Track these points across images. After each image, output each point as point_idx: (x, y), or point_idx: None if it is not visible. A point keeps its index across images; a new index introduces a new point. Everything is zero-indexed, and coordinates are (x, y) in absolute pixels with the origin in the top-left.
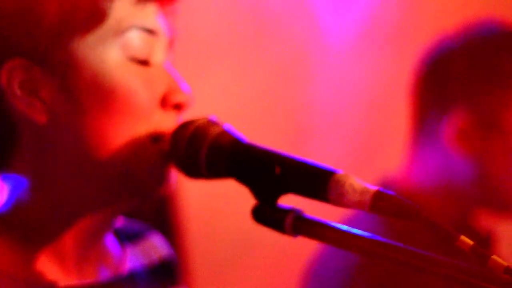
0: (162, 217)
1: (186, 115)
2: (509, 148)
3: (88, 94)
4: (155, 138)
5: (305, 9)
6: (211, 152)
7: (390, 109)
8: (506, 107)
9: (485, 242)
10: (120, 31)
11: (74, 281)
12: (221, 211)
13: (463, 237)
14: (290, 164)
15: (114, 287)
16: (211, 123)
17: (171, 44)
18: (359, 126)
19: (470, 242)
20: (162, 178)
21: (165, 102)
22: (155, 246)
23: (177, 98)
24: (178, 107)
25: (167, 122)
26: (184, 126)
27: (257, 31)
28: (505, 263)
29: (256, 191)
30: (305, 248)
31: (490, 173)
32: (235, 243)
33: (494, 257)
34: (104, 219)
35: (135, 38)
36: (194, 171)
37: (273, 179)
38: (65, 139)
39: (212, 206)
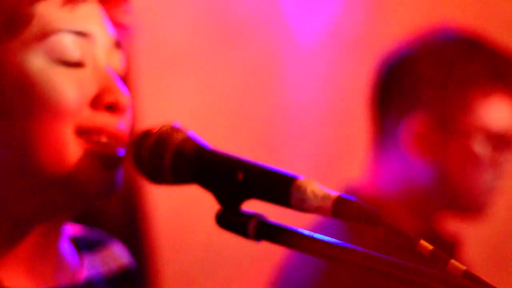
0: (131, 226)
1: (151, 122)
2: (467, 151)
3: (12, 100)
4: (81, 132)
5: (275, 12)
6: (175, 158)
7: (357, 114)
8: (463, 110)
9: (450, 244)
10: (44, 35)
11: None
12: (191, 219)
13: (422, 242)
14: (252, 170)
15: None
16: (174, 129)
17: (117, 45)
18: (325, 132)
19: (429, 246)
20: (98, 180)
21: (96, 102)
22: (115, 255)
23: (109, 98)
24: (111, 108)
25: (96, 120)
26: (147, 132)
27: (224, 35)
28: (463, 267)
29: (219, 196)
30: (278, 256)
31: (450, 175)
32: (206, 250)
33: (453, 261)
34: (51, 225)
35: (61, 41)
36: (158, 177)
37: (236, 184)
38: None
39: (182, 214)
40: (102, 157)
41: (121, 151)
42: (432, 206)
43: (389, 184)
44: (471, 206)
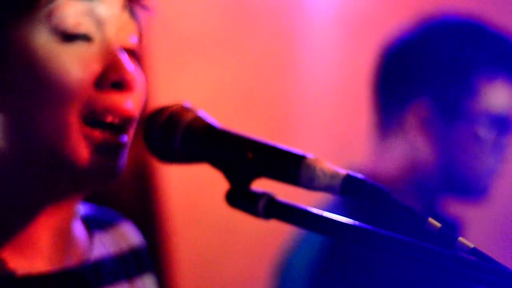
0: (144, 206)
1: (164, 103)
2: (471, 135)
3: (19, 78)
4: (86, 118)
5: None
6: (185, 137)
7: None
8: (467, 95)
9: (452, 228)
10: (52, 10)
11: (39, 269)
12: (203, 198)
13: (431, 220)
14: (262, 148)
15: (79, 275)
16: (185, 109)
17: (130, 12)
18: (336, 115)
19: (438, 224)
20: (99, 166)
21: (101, 81)
22: (125, 234)
23: (114, 76)
24: (117, 85)
25: (101, 101)
26: (158, 111)
27: (238, 18)
28: (471, 245)
29: (229, 175)
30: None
31: (454, 159)
32: (218, 229)
33: (461, 239)
34: (62, 206)
35: (65, 9)
36: (168, 156)
37: (245, 163)
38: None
39: (194, 193)
40: (105, 144)
41: (124, 137)
42: (435, 189)
43: (394, 168)
44: (474, 189)
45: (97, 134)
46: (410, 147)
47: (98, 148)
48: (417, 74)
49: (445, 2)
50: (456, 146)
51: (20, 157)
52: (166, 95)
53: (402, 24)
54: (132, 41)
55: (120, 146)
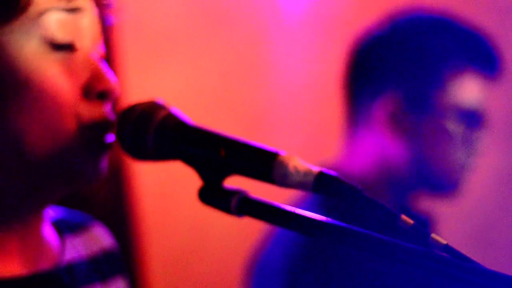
0: (115, 205)
1: (136, 100)
2: (440, 129)
3: (6, 87)
4: (81, 128)
5: None
6: (158, 134)
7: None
8: (435, 89)
9: (424, 224)
10: (38, 15)
11: (11, 272)
12: (175, 197)
13: (404, 216)
14: (234, 145)
15: (53, 278)
16: (157, 105)
17: (103, 30)
18: (309, 112)
19: (410, 221)
20: (89, 165)
21: (88, 91)
22: (97, 237)
23: (100, 86)
24: (102, 96)
25: (90, 112)
26: (130, 108)
27: (210, 17)
28: (444, 241)
29: (202, 172)
30: (262, 232)
31: (424, 154)
32: (190, 230)
33: (434, 235)
34: (34, 210)
35: (53, 19)
36: (141, 153)
37: (218, 160)
38: None
39: (166, 192)
40: (94, 143)
41: (110, 138)
42: (407, 185)
43: (364, 164)
44: (445, 184)
45: (89, 134)
46: (380, 143)
47: (89, 148)
48: (384, 70)
49: (415, 1)
50: (425, 141)
51: (4, 163)
52: (138, 92)
53: (372, 21)
54: (102, 48)
55: (107, 147)
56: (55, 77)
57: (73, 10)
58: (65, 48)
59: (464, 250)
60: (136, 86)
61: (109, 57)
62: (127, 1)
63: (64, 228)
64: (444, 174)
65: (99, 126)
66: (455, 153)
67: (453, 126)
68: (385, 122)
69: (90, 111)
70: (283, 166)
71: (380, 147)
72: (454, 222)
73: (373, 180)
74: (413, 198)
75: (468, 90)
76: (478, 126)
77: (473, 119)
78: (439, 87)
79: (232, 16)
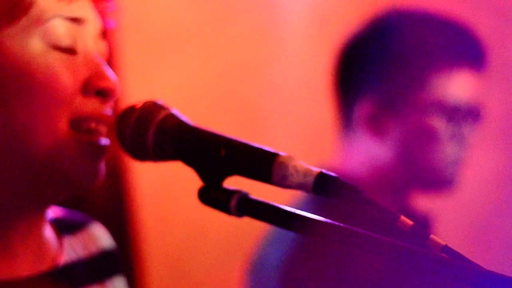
0: (114, 205)
1: (136, 100)
2: (425, 126)
3: (8, 84)
4: (73, 122)
5: None
6: (157, 134)
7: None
8: (416, 86)
9: (423, 222)
10: (42, 21)
11: (13, 274)
12: (174, 197)
13: (403, 218)
14: (234, 146)
15: (50, 280)
16: (157, 106)
17: (103, 34)
18: (306, 112)
19: (410, 222)
20: (85, 169)
21: (87, 88)
22: (95, 237)
23: (100, 84)
24: (101, 93)
25: (87, 107)
26: (130, 108)
27: (210, 15)
28: (443, 242)
29: (202, 173)
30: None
31: (411, 153)
32: (189, 229)
33: (433, 236)
34: (35, 210)
35: (57, 27)
36: (141, 153)
37: (218, 161)
38: None
39: (165, 192)
40: (90, 147)
41: (107, 141)
42: (400, 185)
43: (357, 166)
44: (437, 180)
45: (84, 138)
46: (367, 144)
47: (85, 152)
48: (364, 71)
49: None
50: (411, 139)
51: (6, 162)
52: (138, 93)
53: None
54: (104, 52)
55: (104, 150)
56: (57, 72)
57: (77, 20)
58: (66, 50)
59: (461, 249)
60: (136, 87)
61: (108, 58)
62: (127, 1)
63: (62, 228)
64: (436, 171)
65: (96, 123)
66: (443, 149)
67: (439, 123)
68: (365, 124)
69: (86, 106)
70: (283, 166)
71: (368, 148)
72: (452, 220)
73: (367, 181)
74: (409, 197)
75: (452, 86)
76: (467, 121)
77: (459, 114)
78: (422, 85)
79: (231, 14)
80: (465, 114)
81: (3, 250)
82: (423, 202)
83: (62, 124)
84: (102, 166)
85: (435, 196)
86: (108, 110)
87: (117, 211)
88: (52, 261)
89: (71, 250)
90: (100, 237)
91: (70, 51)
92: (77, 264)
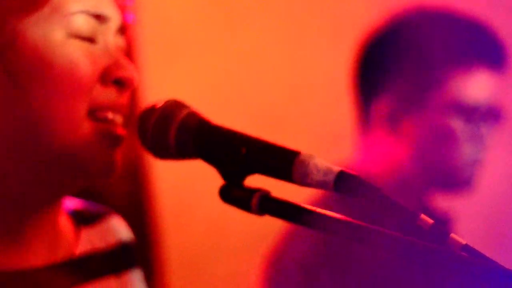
0: (135, 201)
1: (155, 100)
2: (443, 126)
3: (29, 72)
4: (90, 111)
5: None
6: (179, 132)
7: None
8: (434, 86)
9: (443, 222)
10: (65, 14)
11: (27, 264)
12: (195, 194)
13: (423, 216)
14: (255, 145)
15: (65, 270)
16: (179, 104)
17: (122, 30)
18: (325, 111)
19: (430, 220)
20: (101, 158)
21: (105, 77)
22: (113, 229)
23: (118, 73)
24: (119, 83)
25: (104, 96)
26: (152, 107)
27: (227, 14)
28: (463, 241)
29: (223, 171)
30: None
31: (429, 153)
32: (209, 226)
33: (453, 235)
34: (50, 200)
35: (78, 19)
36: (162, 152)
37: (239, 159)
38: (5, 118)
39: (186, 189)
40: (107, 136)
41: (123, 130)
42: (419, 184)
43: (376, 166)
44: (456, 181)
45: (101, 127)
46: (386, 144)
47: (101, 141)
48: (384, 70)
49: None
50: (429, 139)
51: (22, 150)
52: (157, 91)
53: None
54: (122, 48)
55: (121, 139)
56: (77, 61)
57: (100, 18)
58: (86, 39)
59: (481, 248)
60: (155, 85)
61: (127, 53)
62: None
63: (80, 220)
64: (454, 172)
65: (113, 112)
66: (462, 149)
67: (458, 123)
68: (382, 124)
69: (103, 96)
70: (304, 165)
71: (387, 148)
72: (472, 220)
73: (386, 181)
74: (428, 197)
75: (471, 86)
76: (485, 121)
77: (479, 114)
78: (439, 84)
79: (249, 13)
80: (484, 114)
81: (17, 239)
82: (442, 202)
83: (81, 113)
84: (118, 157)
85: (454, 196)
86: (124, 98)
87: (138, 210)
88: (67, 252)
89: (88, 241)
90: (118, 229)
91: (90, 40)
92: (93, 256)
